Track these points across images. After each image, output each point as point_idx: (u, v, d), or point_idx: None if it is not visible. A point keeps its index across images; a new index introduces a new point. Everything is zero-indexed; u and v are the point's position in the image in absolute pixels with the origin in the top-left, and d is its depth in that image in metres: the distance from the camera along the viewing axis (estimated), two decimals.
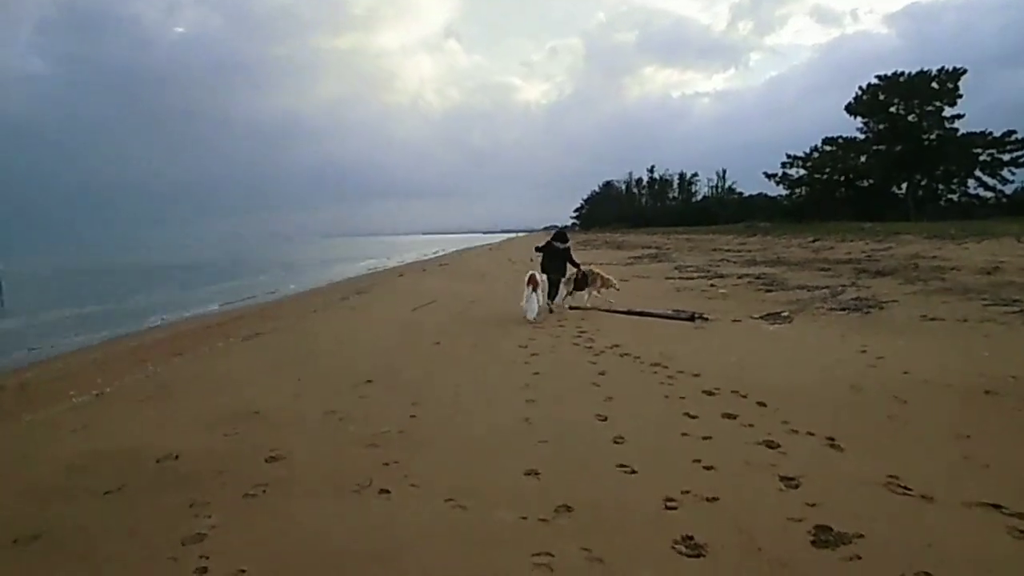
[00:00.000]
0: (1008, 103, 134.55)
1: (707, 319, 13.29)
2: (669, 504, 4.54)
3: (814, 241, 40.32)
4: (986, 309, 12.20)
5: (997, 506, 4.38)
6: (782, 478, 4.93)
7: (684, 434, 6.01)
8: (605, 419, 6.54)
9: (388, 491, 4.92)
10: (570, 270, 15.24)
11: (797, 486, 4.79)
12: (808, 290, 17.21)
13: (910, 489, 4.67)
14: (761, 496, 4.64)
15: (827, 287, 17.34)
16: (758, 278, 20.86)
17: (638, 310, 14.53)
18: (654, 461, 5.32)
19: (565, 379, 8.30)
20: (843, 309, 13.84)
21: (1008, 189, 71.30)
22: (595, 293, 15.52)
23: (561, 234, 15.80)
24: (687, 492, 4.71)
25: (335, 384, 8.41)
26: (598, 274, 15.69)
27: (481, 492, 4.85)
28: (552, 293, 15.05)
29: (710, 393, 7.39)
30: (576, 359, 9.59)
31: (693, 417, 6.53)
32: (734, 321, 13.12)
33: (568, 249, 15.29)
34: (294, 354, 10.78)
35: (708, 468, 5.16)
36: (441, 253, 62.54)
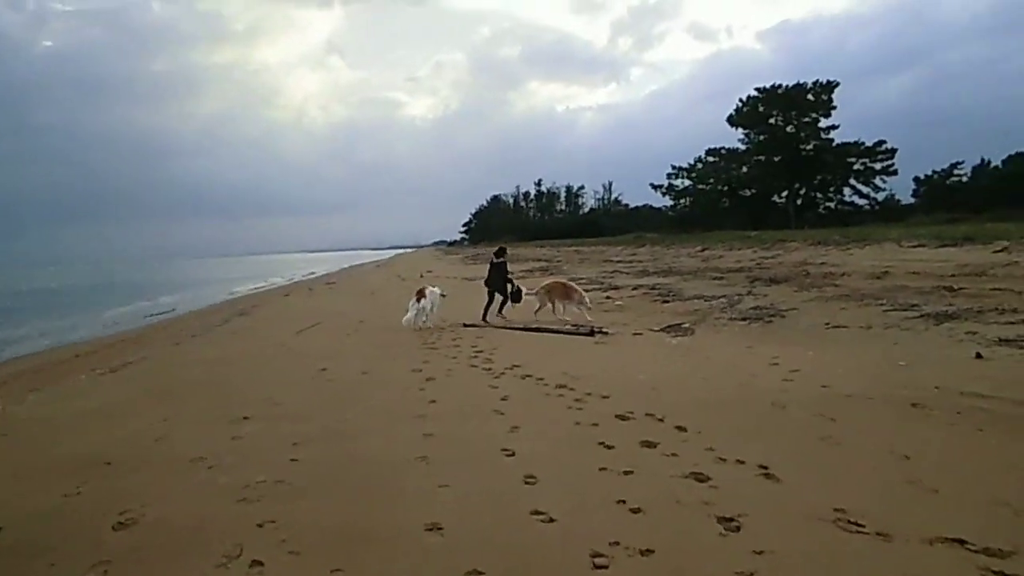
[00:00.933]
0: (872, 115, 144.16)
1: (607, 333, 12.91)
2: (598, 561, 3.87)
3: (703, 250, 41.20)
4: (887, 315, 12.34)
5: (961, 541, 3.97)
6: (720, 519, 4.36)
7: (603, 468, 5.40)
8: (512, 454, 5.85)
9: (261, 563, 4.02)
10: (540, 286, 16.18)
11: (738, 528, 4.24)
12: (705, 300, 17.20)
13: (862, 525, 4.21)
14: (700, 545, 4.05)
15: (724, 296, 17.40)
16: (653, 288, 20.82)
17: (535, 326, 14.00)
18: (573, 505, 4.66)
19: (465, 407, 7.57)
20: (744, 319, 13.78)
21: (880, 196, 75.90)
22: (574, 309, 15.26)
23: (499, 250, 16.78)
24: (616, 544, 4.06)
25: (206, 423, 7.32)
26: (575, 288, 15.68)
27: (374, 557, 4.04)
28: (488, 304, 15.73)
29: (624, 417, 6.83)
30: (475, 383, 8.88)
31: (609, 447, 5.93)
32: (635, 334, 12.80)
33: (503, 263, 16.17)
34: (163, 387, 9.49)
35: (635, 511, 4.54)
36: (329, 271, 60.19)
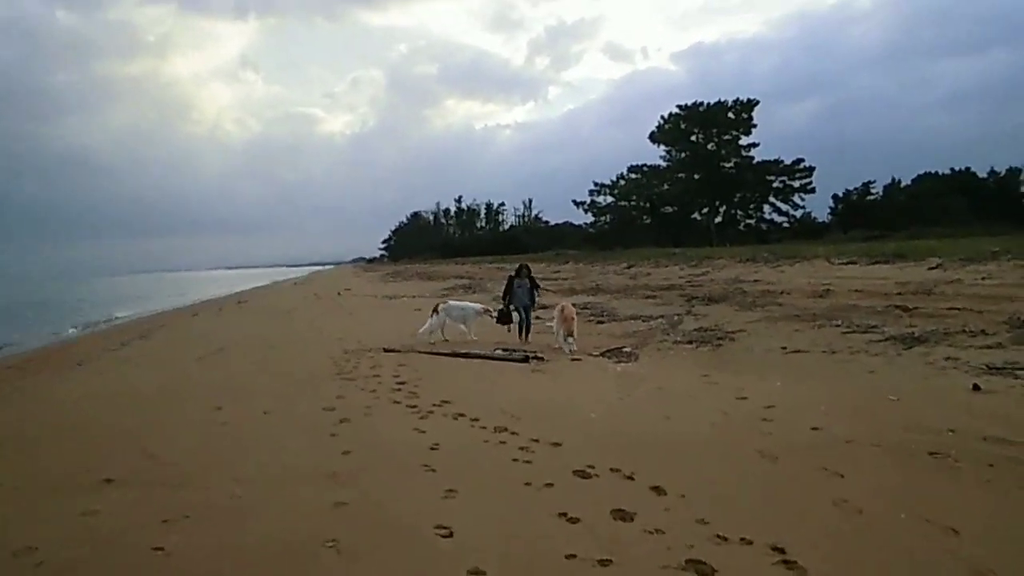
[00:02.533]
0: (784, 137, 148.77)
1: (542, 359, 11.55)
2: None
3: (629, 267, 40.59)
4: (847, 337, 11.39)
5: None
6: None
7: (570, 556, 4.00)
8: (450, 533, 4.38)
9: None
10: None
11: None
12: (643, 320, 16.09)
13: None
14: None
15: (662, 316, 16.33)
16: (585, 308, 19.59)
17: (463, 351, 12.54)
18: None
19: (386, 461, 6.05)
20: (690, 342, 12.67)
21: (798, 214, 77.59)
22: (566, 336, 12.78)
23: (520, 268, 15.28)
24: None
25: (52, 490, 5.49)
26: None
27: None
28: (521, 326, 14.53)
29: (584, 474, 5.45)
30: (398, 425, 7.34)
31: (573, 521, 4.52)
32: (573, 359, 11.46)
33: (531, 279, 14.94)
34: (13, 440, 7.51)
35: None
36: (244, 289, 56.87)
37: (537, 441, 6.49)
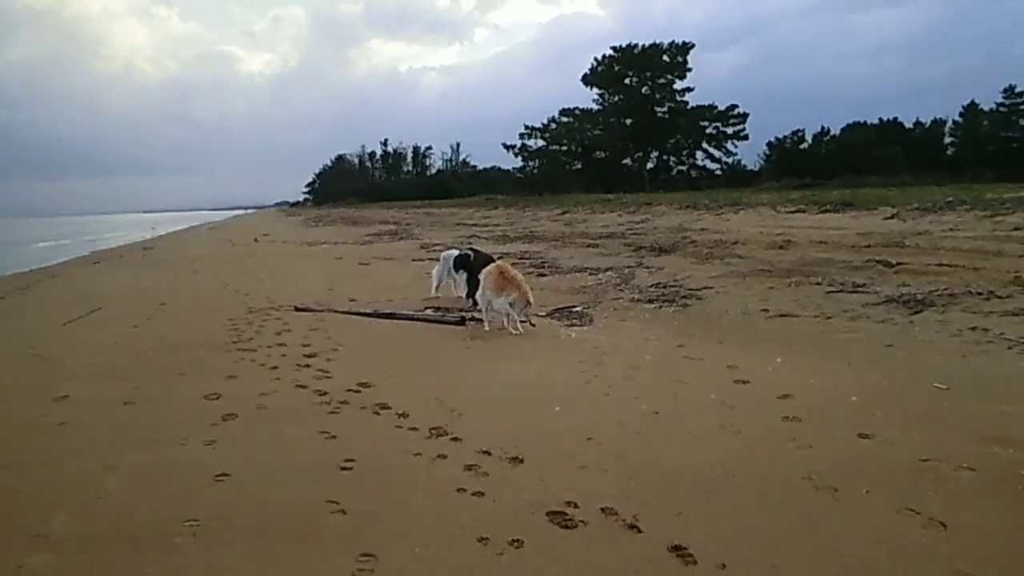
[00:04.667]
0: (710, 85, 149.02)
1: (481, 321, 9.72)
2: None
3: (563, 213, 38.98)
4: (835, 298, 9.90)
5: None
6: None
7: None
8: None
9: None
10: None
11: None
12: (591, 273, 14.33)
13: None
14: None
15: (610, 268, 14.60)
16: (522, 258, 17.73)
17: (387, 311, 10.58)
18: None
19: (278, 492, 4.16)
20: (650, 301, 10.97)
21: (731, 161, 77.28)
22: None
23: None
24: None
25: None
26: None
27: None
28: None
29: (566, 521, 3.65)
30: (299, 427, 5.37)
31: None
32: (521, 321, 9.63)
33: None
34: None
35: None
36: (155, 235, 52.55)
37: (488, 454, 4.66)
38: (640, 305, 10.72)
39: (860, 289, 10.26)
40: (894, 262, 12.16)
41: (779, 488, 4.02)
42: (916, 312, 8.62)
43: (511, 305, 9.13)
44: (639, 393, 6.04)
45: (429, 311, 10.66)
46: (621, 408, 5.65)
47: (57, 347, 8.80)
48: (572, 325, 9.52)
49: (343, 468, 4.50)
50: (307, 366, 7.36)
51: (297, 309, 11.06)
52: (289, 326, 9.73)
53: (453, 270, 11.60)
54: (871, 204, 24.07)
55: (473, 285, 10.58)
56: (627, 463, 4.48)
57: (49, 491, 4.26)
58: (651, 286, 12.19)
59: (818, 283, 11.00)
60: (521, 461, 4.54)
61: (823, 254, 14.30)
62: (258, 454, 4.81)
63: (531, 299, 9.24)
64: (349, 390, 6.33)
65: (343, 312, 10.79)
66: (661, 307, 10.43)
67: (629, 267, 14.71)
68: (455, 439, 4.98)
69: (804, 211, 25.37)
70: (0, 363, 8.00)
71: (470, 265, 11.18)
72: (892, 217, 21.06)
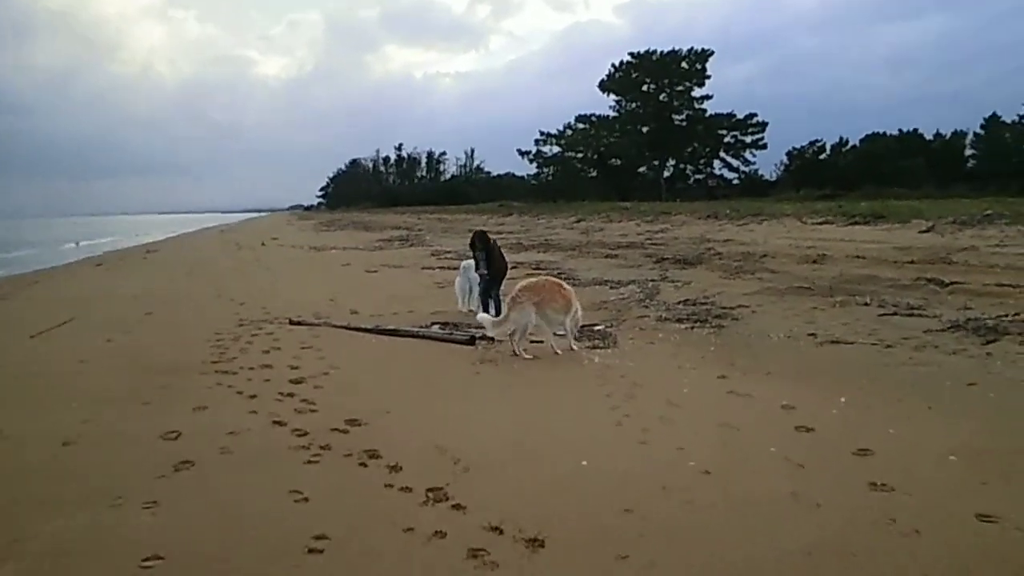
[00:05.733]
0: (728, 93, 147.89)
1: (493, 339, 8.69)
2: None
3: (579, 221, 37.98)
4: (888, 322, 8.81)
5: None
6: None
7: None
8: None
9: None
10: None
11: None
12: (611, 286, 13.27)
13: None
14: None
15: (633, 281, 13.53)
16: (537, 268, 16.70)
17: (390, 327, 9.55)
18: None
19: None
20: (679, 320, 9.89)
21: (748, 170, 76.14)
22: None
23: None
24: None
25: None
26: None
27: None
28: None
29: None
30: (268, 479, 4.39)
31: None
32: (533, 341, 8.55)
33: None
34: None
35: None
36: (165, 236, 51.62)
37: (500, 532, 3.62)
38: (669, 325, 9.65)
39: (917, 312, 9.15)
40: (947, 281, 11.04)
41: None
42: (990, 341, 7.50)
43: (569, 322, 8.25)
44: (682, 441, 4.96)
45: (435, 327, 9.63)
46: (662, 464, 4.58)
47: (11, 365, 7.82)
48: (595, 347, 8.44)
49: (311, 550, 3.47)
50: (291, 395, 6.34)
51: (292, 323, 10.08)
52: (279, 343, 8.73)
53: (471, 249, 10.42)
54: (902, 216, 22.92)
55: (494, 270, 9.86)
56: (680, 552, 3.42)
57: None
58: (679, 303, 11.12)
59: (866, 303, 9.90)
60: (541, 544, 3.49)
61: (864, 270, 13.18)
62: (205, 525, 3.78)
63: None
64: (334, 429, 5.31)
65: (341, 327, 9.78)
66: (693, 328, 9.35)
67: (653, 280, 13.64)
68: (457, 506, 3.94)
69: (832, 223, 24.22)
70: None
71: (490, 246, 10.10)
72: (928, 231, 19.92)
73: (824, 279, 12.32)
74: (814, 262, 15.02)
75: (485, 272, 9.99)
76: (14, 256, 32.24)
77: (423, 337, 9.15)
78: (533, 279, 8.83)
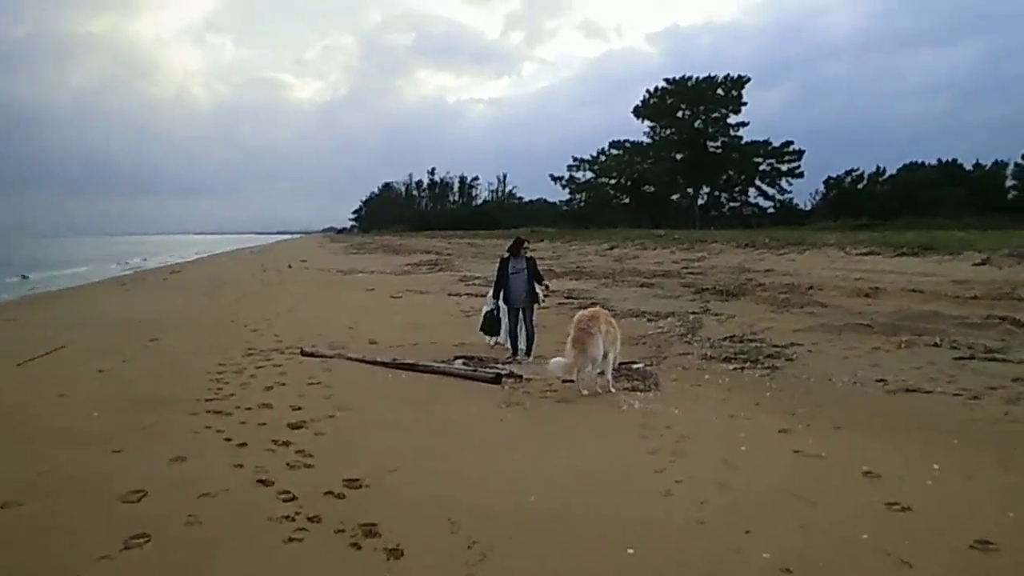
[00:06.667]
0: (759, 121, 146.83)
1: (521, 377, 7.83)
2: None
3: (611, 248, 36.99)
4: (966, 367, 7.83)
5: None
6: None
7: None
8: None
9: None
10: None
11: None
12: (648, 318, 12.38)
13: None
14: None
15: (672, 314, 12.61)
16: (569, 297, 15.83)
17: (408, 361, 8.71)
18: None
19: None
20: (726, 359, 8.98)
21: (783, 199, 74.74)
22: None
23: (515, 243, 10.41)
24: None
25: None
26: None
27: None
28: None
29: None
30: (234, 566, 3.53)
31: None
32: (565, 382, 7.65)
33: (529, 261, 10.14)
34: None
35: None
36: (193, 257, 51.35)
37: None
38: (715, 364, 8.72)
39: (997, 356, 8.14)
40: (1023, 320, 9.98)
41: None
42: None
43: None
44: (748, 521, 4.03)
45: (459, 362, 8.80)
46: (728, 554, 3.65)
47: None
48: (635, 390, 7.53)
49: None
50: (286, 443, 5.50)
51: (303, 354, 9.30)
52: (285, 377, 7.94)
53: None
54: (952, 248, 21.69)
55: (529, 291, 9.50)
56: None
57: None
58: (724, 339, 10.19)
59: (936, 344, 8.89)
60: None
61: (924, 305, 12.11)
62: None
63: None
64: (328, 492, 4.45)
65: (356, 359, 8.96)
66: (743, 368, 8.41)
67: (694, 313, 12.71)
68: None
69: (878, 253, 23.03)
70: None
71: (528, 260, 9.97)
72: (983, 263, 18.70)
73: (882, 315, 11.30)
74: (867, 295, 13.97)
75: (496, 302, 9.54)
76: (72, 272, 32.35)
77: (444, 373, 8.30)
78: (590, 308, 8.27)
